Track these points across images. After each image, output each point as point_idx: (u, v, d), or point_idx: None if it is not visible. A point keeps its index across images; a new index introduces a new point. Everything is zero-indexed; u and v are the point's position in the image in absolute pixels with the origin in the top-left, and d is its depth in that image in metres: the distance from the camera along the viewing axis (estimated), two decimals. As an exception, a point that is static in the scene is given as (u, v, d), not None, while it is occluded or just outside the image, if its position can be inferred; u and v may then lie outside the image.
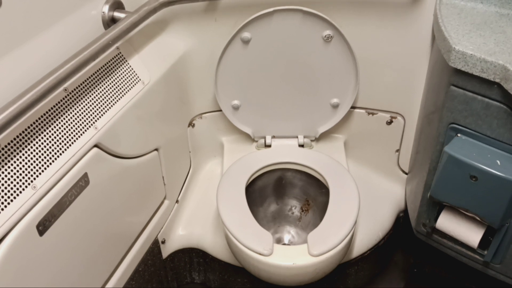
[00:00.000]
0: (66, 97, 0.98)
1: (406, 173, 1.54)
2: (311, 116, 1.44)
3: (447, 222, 1.19)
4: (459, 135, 1.09)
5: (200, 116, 1.50)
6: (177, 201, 1.46)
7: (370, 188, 1.55)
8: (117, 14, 1.11)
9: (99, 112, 1.04)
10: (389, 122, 1.47)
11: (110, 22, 1.11)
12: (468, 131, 1.08)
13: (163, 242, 1.40)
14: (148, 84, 1.18)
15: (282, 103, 1.41)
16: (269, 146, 1.48)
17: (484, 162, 1.03)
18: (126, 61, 1.15)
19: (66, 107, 0.98)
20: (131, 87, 1.14)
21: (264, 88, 1.38)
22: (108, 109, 1.06)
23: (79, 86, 1.02)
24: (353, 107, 1.47)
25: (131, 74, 1.15)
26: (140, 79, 1.17)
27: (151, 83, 1.19)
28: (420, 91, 1.36)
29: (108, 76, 1.09)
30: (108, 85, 1.08)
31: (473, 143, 1.07)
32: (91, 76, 1.05)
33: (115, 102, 1.09)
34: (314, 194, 1.43)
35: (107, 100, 1.07)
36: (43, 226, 0.90)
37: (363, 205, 1.37)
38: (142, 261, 1.30)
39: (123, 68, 1.13)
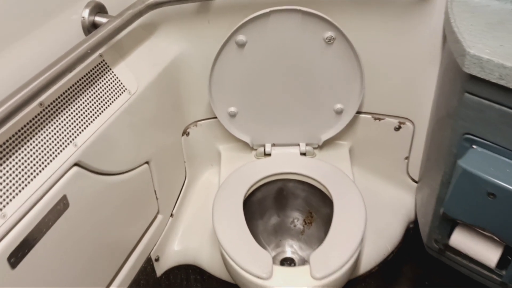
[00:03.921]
0: (41, 112, 0.90)
1: (416, 182, 1.44)
2: (313, 123, 1.35)
3: (461, 240, 1.09)
4: (474, 146, 0.99)
5: (195, 123, 1.41)
6: (171, 215, 1.38)
7: (378, 198, 1.45)
8: (98, 19, 1.02)
9: (80, 127, 0.96)
10: (397, 128, 1.37)
11: (91, 27, 1.02)
12: (484, 143, 0.98)
13: (156, 260, 1.32)
14: (136, 93, 1.09)
15: (282, 110, 1.32)
16: (269, 154, 1.39)
17: (503, 178, 0.93)
18: (110, 69, 1.06)
19: (41, 123, 0.89)
20: (116, 98, 1.05)
21: (262, 93, 1.29)
22: (90, 123, 0.98)
23: (56, 99, 0.93)
24: (358, 112, 1.38)
25: (116, 84, 1.06)
26: (126, 88, 1.08)
27: (139, 91, 1.10)
28: (430, 95, 1.26)
29: (89, 87, 1.00)
30: (90, 96, 0.99)
31: (490, 156, 0.97)
32: (70, 87, 0.96)
33: (98, 115, 1.00)
34: (318, 205, 1.34)
35: (89, 114, 0.98)
36: (15, 258, 0.81)
37: (371, 216, 1.28)
38: (134, 281, 1.21)
39: (106, 77, 1.04)
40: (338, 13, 1.18)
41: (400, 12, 1.16)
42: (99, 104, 1.01)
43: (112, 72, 1.06)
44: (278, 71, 1.24)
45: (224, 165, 1.41)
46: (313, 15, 1.13)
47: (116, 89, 1.06)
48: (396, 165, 1.44)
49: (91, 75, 1.01)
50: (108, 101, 1.03)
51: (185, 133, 1.40)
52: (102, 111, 1.01)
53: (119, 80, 1.07)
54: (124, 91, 1.07)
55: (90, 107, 0.99)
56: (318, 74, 1.24)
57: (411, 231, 1.46)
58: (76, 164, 0.93)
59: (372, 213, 1.33)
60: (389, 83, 1.29)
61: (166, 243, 1.36)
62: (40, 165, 0.87)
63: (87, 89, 1.00)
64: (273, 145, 1.40)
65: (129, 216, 1.15)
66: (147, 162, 1.19)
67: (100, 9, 1.03)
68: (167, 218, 1.35)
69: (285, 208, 1.38)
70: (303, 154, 1.39)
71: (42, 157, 0.87)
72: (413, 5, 1.14)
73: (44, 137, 0.89)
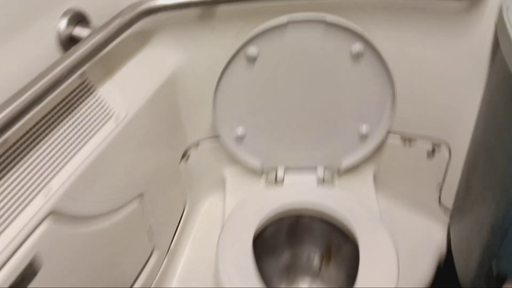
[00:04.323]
0: (5, 153, 0.71)
1: (450, 211, 1.26)
2: (333, 146, 1.16)
3: (514, 296, 0.92)
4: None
5: (196, 145, 1.22)
6: (168, 252, 1.20)
7: (405, 231, 1.27)
8: (78, 31, 0.83)
9: (55, 168, 0.77)
10: (431, 151, 1.19)
11: (70, 42, 0.83)
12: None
13: (151, 305, 1.14)
14: (126, 117, 0.91)
15: (297, 130, 1.13)
16: (282, 180, 1.21)
17: None
18: (94, 90, 0.87)
19: (5, 166, 0.71)
20: (101, 126, 0.86)
21: (275, 112, 1.10)
22: (68, 161, 0.79)
23: (24, 135, 0.74)
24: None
25: (101, 109, 0.87)
26: (113, 114, 0.89)
27: (129, 115, 0.92)
28: (473, 115, 1.08)
29: (67, 116, 0.81)
30: (68, 127, 0.81)
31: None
32: (43, 118, 0.77)
33: (79, 150, 0.81)
34: (338, 241, 1.16)
35: (67, 149, 0.80)
36: None
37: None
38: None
39: (90, 101, 0.86)
40: (368, 22, 0.99)
41: (442, 20, 0.98)
42: (80, 136, 0.82)
43: (97, 94, 0.87)
44: (295, 87, 1.05)
45: (230, 193, 1.22)
46: (340, 26, 0.94)
47: (101, 115, 0.87)
48: (426, 192, 1.26)
49: (70, 101, 0.82)
50: (91, 131, 0.84)
51: (185, 156, 1.21)
52: (83, 145, 0.82)
53: (106, 104, 0.88)
54: (111, 117, 0.88)
55: (69, 140, 0.80)
56: (341, 92, 1.06)
57: (442, 266, 1.28)
58: (51, 213, 0.75)
59: (399, 246, 1.16)
60: (423, 101, 1.11)
61: (162, 284, 1.18)
62: (3, 221, 0.68)
63: (65, 118, 0.81)
64: (287, 168, 1.22)
65: (119, 259, 0.97)
66: (140, 195, 1.01)
67: (80, 19, 0.84)
68: (163, 256, 1.17)
69: (299, 242, 1.21)
70: (321, 180, 1.21)
71: (7, 210, 0.69)
72: (459, 13, 0.95)
73: (9, 184, 0.71)
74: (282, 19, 0.93)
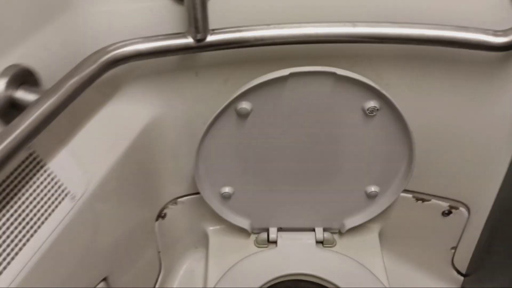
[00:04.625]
0: None
1: (463, 275, 1.11)
2: (336, 205, 1.00)
3: None
4: None
5: (174, 202, 1.04)
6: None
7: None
8: (22, 95, 0.64)
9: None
10: (447, 213, 1.03)
11: (11, 110, 0.64)
12: None
13: None
14: (84, 195, 0.73)
15: (295, 190, 0.96)
16: (274, 241, 1.04)
17: None
18: (44, 165, 0.68)
19: None
20: (53, 210, 0.68)
21: (269, 171, 0.93)
22: (9, 262, 0.61)
23: None
24: (394, 189, 1.03)
25: (52, 188, 0.69)
26: (68, 192, 0.71)
27: (89, 191, 0.73)
28: (499, 177, 0.92)
29: (10, 201, 0.63)
30: (9, 219, 0.62)
31: None
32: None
33: (23, 246, 0.63)
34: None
35: (7, 247, 0.61)
36: None
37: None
38: None
39: (38, 180, 0.67)
40: (385, 70, 0.83)
41: (471, 74, 0.81)
42: (25, 227, 0.64)
43: (47, 170, 0.69)
44: (293, 144, 0.88)
45: (213, 256, 1.05)
46: (352, 80, 0.77)
47: (53, 196, 0.68)
48: (437, 255, 1.10)
49: (12, 183, 0.64)
50: (39, 218, 0.66)
51: (161, 215, 1.03)
52: (29, 238, 0.64)
53: (59, 181, 0.70)
54: (65, 196, 0.70)
55: (9, 236, 0.62)
56: (348, 150, 0.89)
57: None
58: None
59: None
60: (443, 158, 0.95)
61: None
62: None
63: (7, 204, 0.63)
64: (280, 229, 1.05)
65: None
66: (104, 279, 0.83)
67: (25, 79, 0.65)
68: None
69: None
70: (320, 241, 1.04)
71: None
72: (489, 66, 0.79)
73: None
74: (283, 71, 0.75)
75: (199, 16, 0.72)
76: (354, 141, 0.87)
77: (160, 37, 0.74)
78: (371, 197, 0.96)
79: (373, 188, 0.95)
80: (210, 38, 0.75)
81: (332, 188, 0.96)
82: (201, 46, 0.75)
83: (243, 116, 0.82)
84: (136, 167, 0.88)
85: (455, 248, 1.08)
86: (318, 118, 0.83)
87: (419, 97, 0.87)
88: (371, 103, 0.80)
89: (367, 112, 0.81)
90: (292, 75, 0.75)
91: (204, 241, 1.11)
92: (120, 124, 0.83)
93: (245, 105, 0.80)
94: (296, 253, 1.01)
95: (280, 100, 0.80)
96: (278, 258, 1.01)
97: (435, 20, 0.75)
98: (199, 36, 0.74)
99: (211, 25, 0.75)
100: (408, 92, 0.86)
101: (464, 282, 1.11)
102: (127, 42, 0.73)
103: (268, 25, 0.75)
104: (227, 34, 0.75)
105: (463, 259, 1.08)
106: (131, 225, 0.92)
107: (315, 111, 0.82)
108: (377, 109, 0.80)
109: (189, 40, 0.74)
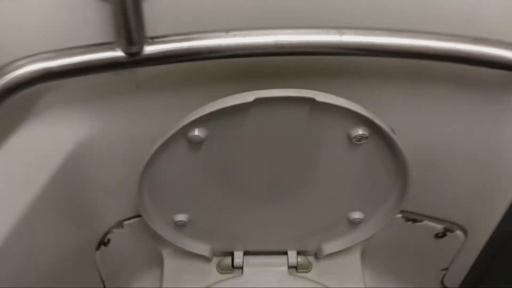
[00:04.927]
0: None
1: (452, 293, 0.99)
2: (312, 227, 0.84)
3: None
4: None
5: (119, 225, 0.87)
6: None
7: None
8: None
9: None
10: (440, 235, 0.88)
11: None
12: None
13: None
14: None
15: (263, 209, 0.80)
16: (240, 266, 0.89)
17: None
18: None
19: None
20: None
21: (232, 195, 0.76)
22: None
23: None
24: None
25: None
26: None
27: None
28: (504, 201, 0.78)
29: None
30: None
31: None
32: None
33: None
34: None
35: None
36: None
37: None
38: None
39: None
40: (377, 82, 0.66)
41: (483, 90, 0.65)
42: None
43: None
44: (261, 171, 0.71)
45: (169, 284, 0.90)
46: (334, 106, 0.59)
47: None
48: (426, 275, 0.98)
49: None
50: None
51: (103, 243, 0.86)
52: None
53: None
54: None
55: None
56: (329, 177, 0.72)
57: None
58: None
59: None
60: (441, 181, 0.79)
61: None
62: None
63: None
64: (246, 253, 0.90)
65: None
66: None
67: None
68: None
69: None
70: (293, 267, 0.90)
71: None
72: (496, 85, 0.63)
73: None
74: (246, 96, 0.57)
75: (131, 22, 0.53)
76: (336, 169, 0.70)
77: (79, 50, 0.55)
78: (354, 223, 0.81)
79: (356, 214, 0.79)
80: (148, 50, 0.56)
81: (309, 210, 0.80)
82: (135, 62, 0.56)
83: (195, 144, 0.64)
84: (62, 198, 0.70)
85: (446, 269, 0.95)
86: (292, 146, 0.66)
87: (415, 112, 0.70)
88: (359, 131, 0.62)
89: (354, 140, 0.64)
90: (258, 101, 0.57)
91: (159, 261, 0.95)
92: (45, 148, 0.64)
93: (198, 132, 0.62)
94: (265, 282, 0.87)
95: (243, 127, 0.62)
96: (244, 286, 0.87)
97: (444, 27, 0.57)
98: (133, 50, 0.55)
99: (149, 31, 0.56)
100: (403, 106, 0.70)
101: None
102: (33, 59, 0.53)
103: (227, 31, 0.57)
104: (171, 44, 0.56)
105: (454, 278, 0.96)
106: (61, 259, 0.75)
107: (288, 138, 0.65)
108: (366, 137, 0.63)
109: (119, 54, 0.55)
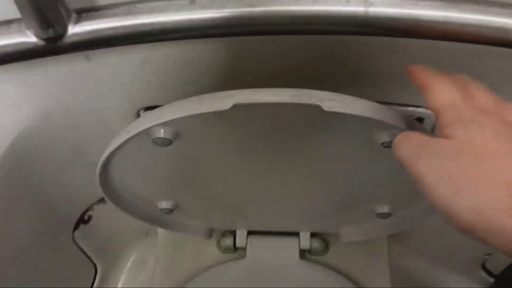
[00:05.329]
0: None
1: (494, 277, 0.84)
2: (328, 213, 0.69)
3: None
4: None
5: (101, 201, 0.73)
6: None
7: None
8: None
9: None
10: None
11: None
12: None
13: None
14: None
15: (267, 189, 0.64)
16: (243, 248, 0.76)
17: None
18: None
19: None
20: None
21: (223, 180, 0.61)
22: None
23: None
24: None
25: None
26: None
27: None
28: None
29: None
30: None
31: None
32: None
33: None
34: None
35: None
36: None
37: None
38: None
39: None
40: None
41: None
42: None
43: None
44: (253, 170, 0.55)
45: (162, 263, 0.78)
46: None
47: None
48: (465, 256, 0.82)
49: None
50: None
51: (82, 221, 0.73)
52: None
53: None
54: None
55: None
56: (349, 174, 0.55)
57: None
58: None
59: None
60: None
61: None
62: None
63: None
64: (250, 233, 0.76)
65: None
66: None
67: None
68: None
69: None
70: (306, 251, 0.76)
71: None
72: None
73: None
74: (223, 101, 0.39)
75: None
76: (359, 170, 0.53)
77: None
78: (381, 217, 0.65)
79: (384, 207, 0.63)
80: (73, 31, 0.38)
81: (325, 200, 0.64)
82: (56, 49, 0.38)
83: (163, 143, 0.47)
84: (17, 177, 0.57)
85: (489, 254, 0.79)
86: (292, 148, 0.48)
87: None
88: (385, 137, 0.44)
89: (380, 145, 0.45)
90: (236, 107, 0.39)
91: (154, 228, 0.83)
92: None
93: (163, 133, 0.45)
94: (270, 269, 0.74)
95: (225, 128, 0.45)
96: (244, 276, 0.74)
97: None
98: (50, 33, 0.37)
99: (73, 2, 0.37)
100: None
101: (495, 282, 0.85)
102: None
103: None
104: (108, 20, 0.38)
105: (498, 266, 0.81)
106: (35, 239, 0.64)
107: (287, 139, 0.47)
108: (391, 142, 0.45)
109: (32, 40, 0.37)
